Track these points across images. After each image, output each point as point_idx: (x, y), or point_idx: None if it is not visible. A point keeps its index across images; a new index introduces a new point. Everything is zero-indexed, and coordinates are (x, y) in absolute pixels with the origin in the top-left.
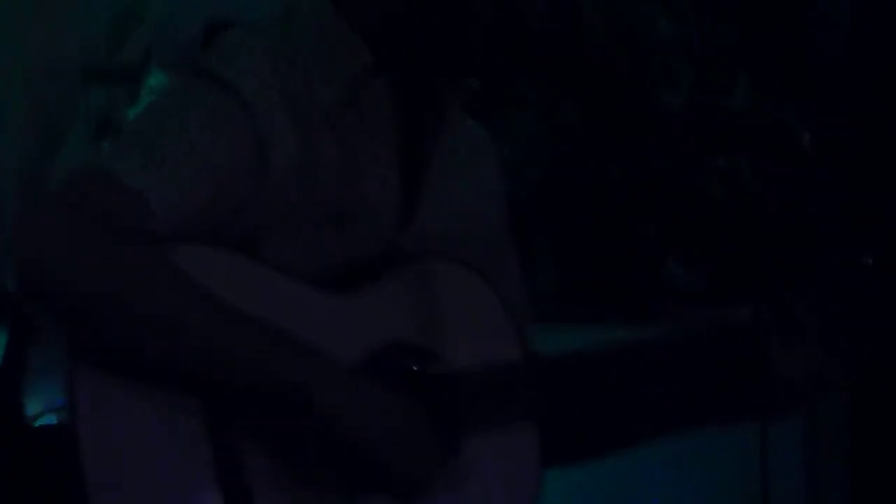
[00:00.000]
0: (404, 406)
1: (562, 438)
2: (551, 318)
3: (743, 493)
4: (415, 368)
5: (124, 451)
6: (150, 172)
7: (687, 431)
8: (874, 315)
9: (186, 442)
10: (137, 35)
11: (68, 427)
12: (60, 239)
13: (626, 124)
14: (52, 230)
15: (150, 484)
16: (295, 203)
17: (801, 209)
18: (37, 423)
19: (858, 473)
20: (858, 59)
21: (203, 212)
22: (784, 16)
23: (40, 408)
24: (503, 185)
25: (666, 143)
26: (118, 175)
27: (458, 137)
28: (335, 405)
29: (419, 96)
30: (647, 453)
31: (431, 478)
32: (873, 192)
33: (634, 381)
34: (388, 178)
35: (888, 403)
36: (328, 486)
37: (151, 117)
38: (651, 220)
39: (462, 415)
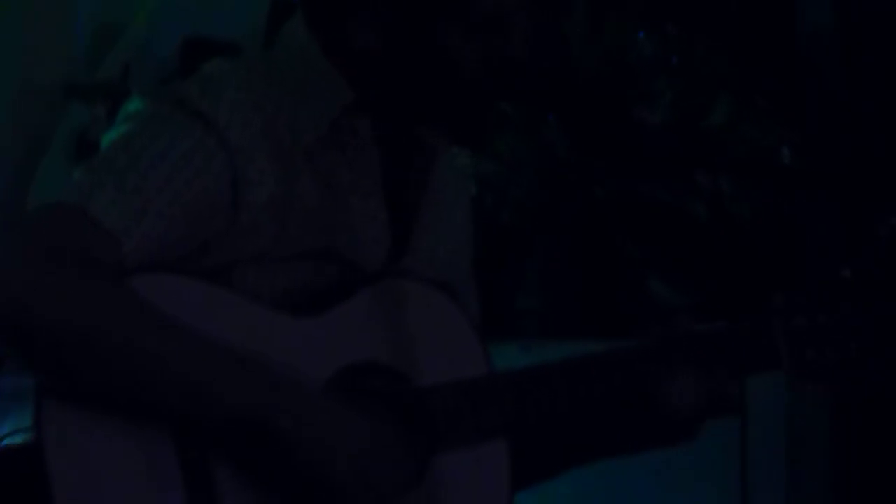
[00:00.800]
0: (371, 428)
1: (523, 455)
2: (535, 334)
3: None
4: (384, 388)
5: (93, 480)
6: (120, 207)
7: (599, 456)
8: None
9: (156, 468)
10: (116, 51)
11: (35, 448)
12: (25, 276)
13: (609, 143)
14: (16, 267)
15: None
16: (271, 241)
17: (781, 225)
18: (2, 444)
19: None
20: (842, 76)
21: (173, 247)
22: (767, 34)
23: (7, 429)
24: (472, 227)
25: (647, 162)
26: (89, 210)
27: (440, 172)
28: (294, 431)
29: (402, 134)
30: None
31: (399, 500)
32: (855, 207)
33: (560, 398)
34: (375, 214)
35: (870, 417)
36: None
37: (126, 147)
38: (634, 238)
39: (432, 433)
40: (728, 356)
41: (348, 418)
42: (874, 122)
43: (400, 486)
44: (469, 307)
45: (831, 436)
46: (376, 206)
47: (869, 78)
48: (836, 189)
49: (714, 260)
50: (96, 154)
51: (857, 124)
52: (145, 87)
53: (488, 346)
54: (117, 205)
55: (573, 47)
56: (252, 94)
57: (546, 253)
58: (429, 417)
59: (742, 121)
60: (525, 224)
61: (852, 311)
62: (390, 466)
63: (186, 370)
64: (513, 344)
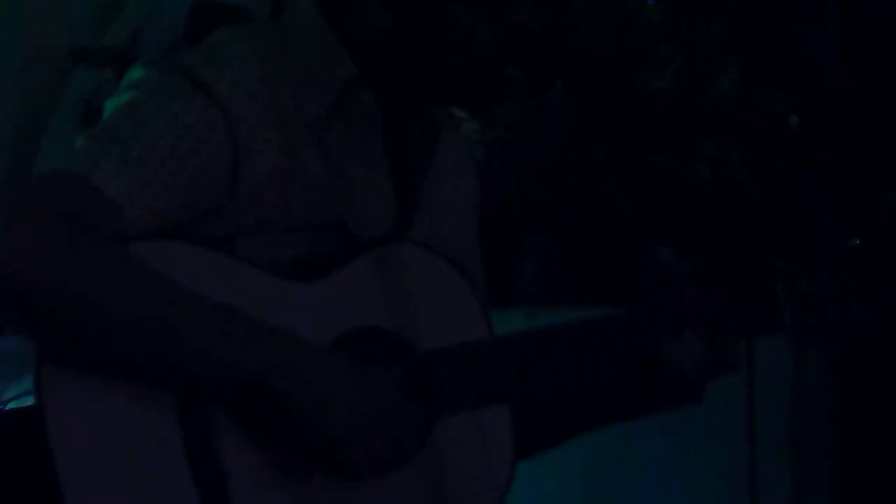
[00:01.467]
0: (374, 390)
1: (528, 421)
2: (538, 301)
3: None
4: (385, 351)
5: (95, 445)
6: (124, 176)
7: (605, 422)
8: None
9: (158, 431)
10: (124, 16)
11: (36, 412)
12: (26, 243)
13: (614, 110)
14: (17, 234)
15: (122, 474)
16: (274, 211)
17: (789, 194)
18: (8, 407)
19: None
20: (847, 45)
21: (175, 216)
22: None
23: (14, 392)
24: (478, 190)
25: (653, 129)
26: (92, 180)
27: (447, 141)
28: (295, 389)
29: (407, 107)
30: (638, 447)
31: (404, 456)
32: (862, 177)
33: (561, 364)
34: (380, 186)
35: (875, 408)
36: (306, 471)
37: (130, 116)
38: (640, 206)
39: (433, 396)
40: (731, 318)
41: (350, 379)
42: (879, 90)
43: (402, 449)
44: (474, 277)
45: (836, 430)
46: (381, 178)
47: (871, 47)
48: (840, 158)
49: (718, 226)
50: (99, 122)
51: (862, 92)
52: (149, 56)
53: (492, 313)
54: (120, 174)
55: (580, 13)
56: (256, 65)
57: (550, 219)
58: (430, 381)
59: (748, 88)
60: (530, 190)
61: (853, 276)
62: (392, 429)
63: (188, 331)
64: (516, 311)
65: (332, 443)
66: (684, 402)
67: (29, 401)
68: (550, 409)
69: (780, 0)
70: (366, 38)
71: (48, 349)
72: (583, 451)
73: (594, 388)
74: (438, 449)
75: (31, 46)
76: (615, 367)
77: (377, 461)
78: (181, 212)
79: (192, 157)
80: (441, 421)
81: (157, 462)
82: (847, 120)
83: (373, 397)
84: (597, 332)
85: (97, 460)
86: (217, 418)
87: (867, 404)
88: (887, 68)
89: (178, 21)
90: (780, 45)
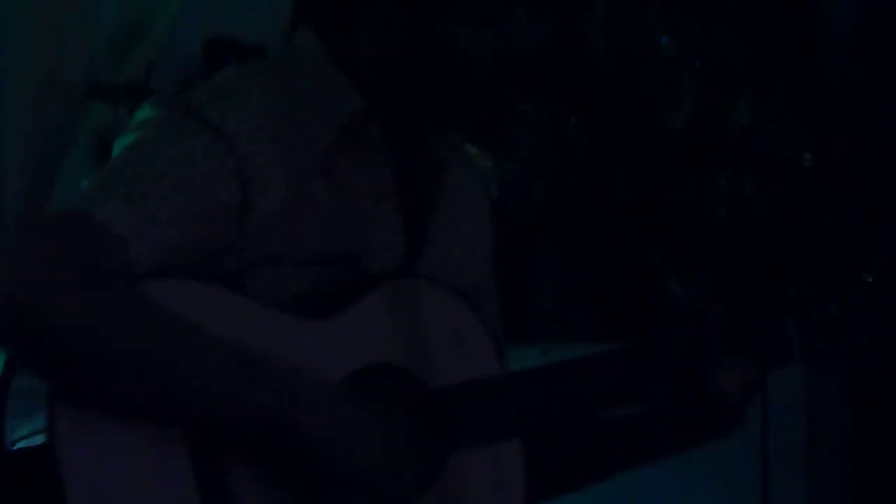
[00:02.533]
0: (389, 426)
1: (542, 461)
2: (553, 336)
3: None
4: (398, 388)
5: (106, 483)
6: (130, 213)
7: (645, 457)
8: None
9: (169, 472)
10: (139, 52)
11: (49, 450)
12: (36, 283)
13: (629, 141)
14: (27, 274)
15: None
16: (284, 245)
17: (803, 227)
18: (18, 447)
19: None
20: (863, 76)
21: (184, 253)
22: (788, 33)
23: (24, 431)
24: (492, 223)
25: (668, 161)
26: (98, 218)
27: (457, 172)
28: (314, 429)
29: (414, 138)
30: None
31: (415, 499)
32: (876, 211)
33: (584, 398)
34: (388, 219)
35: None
36: None
37: (136, 155)
38: (654, 239)
39: (447, 433)
40: (747, 349)
41: (366, 417)
42: (889, 126)
43: (416, 485)
44: (489, 312)
45: (852, 437)
46: (389, 211)
47: (889, 80)
48: (854, 191)
49: (734, 261)
50: (106, 162)
51: (875, 127)
52: (163, 92)
53: (508, 349)
54: (126, 211)
55: (594, 46)
56: (262, 101)
57: (566, 254)
58: (443, 417)
59: (764, 122)
60: (545, 225)
61: (864, 305)
62: (408, 466)
63: (203, 370)
64: (533, 347)
65: (348, 480)
66: (728, 427)
67: (39, 440)
68: (574, 445)
69: (798, 33)
70: (369, 68)
71: (59, 388)
72: None
73: (622, 424)
74: (451, 484)
75: (47, 82)
76: (649, 400)
77: (392, 497)
78: (189, 248)
79: (198, 193)
80: (454, 456)
81: (169, 500)
82: (864, 152)
83: (387, 434)
84: (622, 363)
85: (110, 499)
86: (229, 455)
87: (883, 430)
88: None
89: (192, 57)
90: (796, 77)
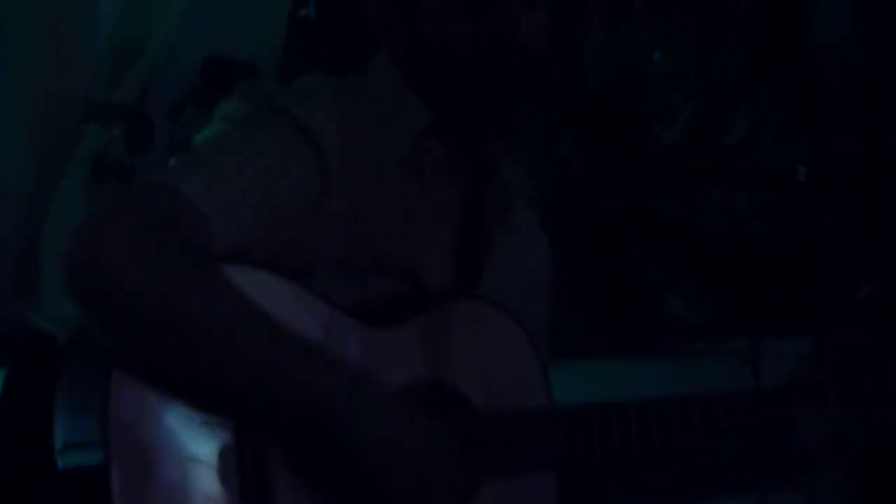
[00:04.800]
0: (431, 444)
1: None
2: (554, 353)
3: None
4: (445, 407)
5: (153, 462)
6: (214, 196)
7: (701, 497)
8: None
9: (214, 460)
10: (134, 73)
11: (99, 471)
12: (121, 241)
13: (626, 159)
14: (113, 232)
15: (176, 497)
16: (346, 251)
17: (799, 243)
18: (62, 458)
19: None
20: (859, 90)
21: (258, 239)
22: (783, 47)
23: (64, 442)
24: (550, 272)
25: (665, 178)
26: (184, 191)
27: (522, 209)
28: (361, 429)
29: (477, 159)
30: None
31: None
32: (872, 227)
33: (652, 438)
34: (444, 242)
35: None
36: None
37: (222, 142)
38: (651, 255)
39: (486, 457)
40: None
41: (412, 427)
42: (890, 136)
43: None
44: (542, 344)
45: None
46: (448, 233)
47: (884, 94)
48: (851, 205)
49: (731, 276)
50: (191, 146)
51: (872, 139)
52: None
53: None
54: (210, 190)
55: (590, 62)
56: (341, 109)
57: (563, 270)
58: (485, 442)
59: (759, 137)
60: None
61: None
62: (444, 485)
63: (270, 352)
64: None
65: (383, 485)
66: (799, 477)
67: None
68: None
69: (792, 47)
70: (432, 70)
71: (121, 359)
72: None
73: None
74: None
75: (42, 104)
76: (741, 441)
77: None
78: (264, 236)
79: (280, 184)
80: (489, 481)
81: (209, 489)
82: (860, 168)
83: (431, 448)
84: (731, 404)
85: (153, 482)
86: (272, 458)
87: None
88: None
89: (188, 78)
90: (791, 92)
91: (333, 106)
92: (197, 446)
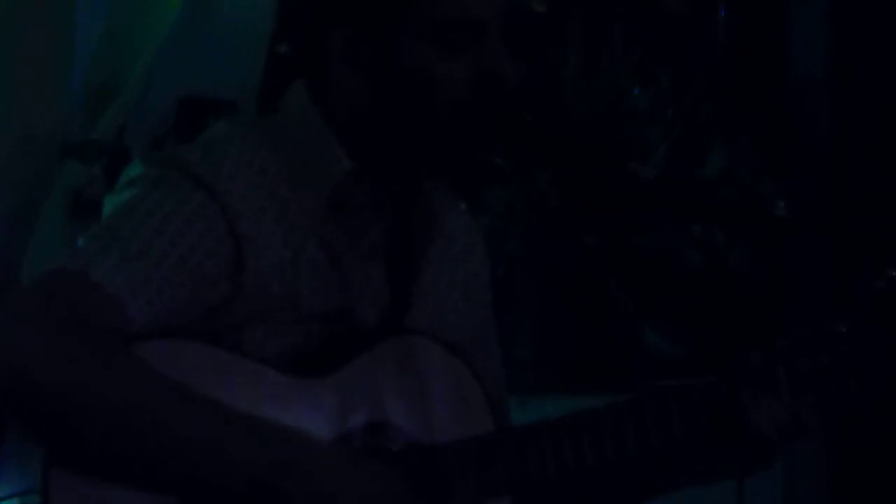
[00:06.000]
0: (381, 486)
1: None
2: (529, 388)
3: None
4: (391, 446)
5: None
6: (124, 273)
7: (665, 492)
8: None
9: None
10: (112, 111)
11: None
12: (33, 340)
13: (602, 193)
14: (21, 332)
15: None
16: (278, 302)
17: (776, 277)
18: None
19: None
20: (835, 127)
21: (179, 312)
22: (759, 82)
23: (9, 491)
24: (489, 270)
25: (641, 212)
26: (92, 277)
27: (454, 225)
28: (303, 492)
29: (402, 195)
30: None
31: None
32: (849, 259)
33: (607, 446)
34: (376, 275)
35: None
36: None
37: (129, 213)
38: (628, 290)
39: (439, 491)
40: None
41: (357, 478)
42: (866, 171)
43: None
44: (489, 360)
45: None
46: (376, 268)
47: (860, 129)
48: (828, 239)
49: (709, 310)
50: (100, 220)
51: (849, 174)
52: (147, 153)
53: None
54: (121, 270)
55: (567, 97)
56: (255, 158)
57: (540, 305)
58: (436, 476)
59: (736, 171)
60: (518, 276)
61: (852, 355)
62: None
63: (194, 431)
64: (511, 398)
65: None
66: (759, 467)
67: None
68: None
69: (768, 82)
70: (348, 119)
71: (54, 451)
72: None
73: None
74: None
75: (20, 140)
76: (696, 434)
77: None
78: (184, 307)
79: (192, 253)
80: None
81: None
82: (837, 200)
83: (380, 493)
84: (679, 399)
85: None
86: None
87: (861, 471)
88: (880, 146)
89: (165, 115)
90: (768, 126)
91: (245, 155)
92: None
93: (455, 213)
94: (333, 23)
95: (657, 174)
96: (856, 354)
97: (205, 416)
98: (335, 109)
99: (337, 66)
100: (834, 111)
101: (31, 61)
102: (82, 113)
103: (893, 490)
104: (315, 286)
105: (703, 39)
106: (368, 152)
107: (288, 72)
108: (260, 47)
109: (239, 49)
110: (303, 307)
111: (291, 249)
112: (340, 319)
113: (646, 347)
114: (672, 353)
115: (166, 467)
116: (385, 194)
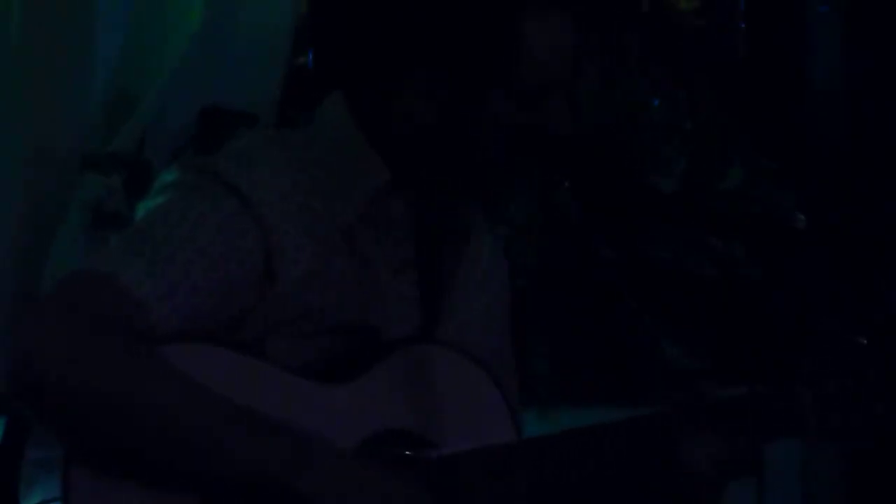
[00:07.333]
0: (396, 494)
1: None
2: (549, 399)
3: None
4: (410, 454)
5: None
6: (154, 280)
7: None
8: (871, 393)
9: None
10: (131, 122)
11: None
12: (58, 339)
13: (618, 204)
14: (50, 331)
15: None
16: (305, 314)
17: (795, 291)
18: None
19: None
20: (853, 138)
21: (206, 318)
22: (777, 94)
23: (36, 500)
24: (509, 295)
25: (657, 223)
26: (121, 281)
27: (479, 244)
28: (318, 494)
29: (437, 213)
30: None
31: None
32: (868, 274)
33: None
34: (406, 293)
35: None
36: None
37: (160, 219)
38: (646, 302)
39: (459, 498)
40: (750, 421)
41: (374, 483)
42: (883, 183)
43: None
44: (507, 378)
45: (847, 493)
46: (408, 284)
47: (878, 140)
48: (844, 249)
49: (727, 324)
50: (131, 224)
51: (866, 185)
52: (183, 159)
53: None
54: (149, 275)
55: (585, 111)
56: (287, 169)
57: (559, 317)
58: (455, 483)
59: (753, 182)
60: (537, 289)
61: (876, 377)
62: None
63: (215, 431)
64: (529, 411)
65: None
66: (702, 500)
67: None
68: None
69: (787, 94)
70: (399, 139)
71: (76, 450)
72: None
73: (617, 487)
74: None
75: (40, 152)
76: (636, 469)
77: None
78: (210, 315)
79: (222, 261)
80: None
81: None
82: (854, 213)
83: (394, 497)
84: (618, 432)
85: None
86: None
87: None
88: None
89: (186, 126)
90: (785, 138)
91: (281, 169)
92: None
93: (481, 235)
94: (419, 62)
95: (676, 187)
96: (876, 376)
97: (226, 417)
98: (383, 125)
99: (407, 93)
100: (851, 123)
101: (52, 74)
102: (102, 125)
103: None
104: (342, 300)
105: (719, 49)
106: (411, 170)
107: (319, 84)
108: (279, 60)
109: (259, 61)
110: (328, 320)
111: (320, 262)
112: (366, 335)
113: (664, 360)
114: (690, 366)
115: (188, 465)
116: (419, 211)
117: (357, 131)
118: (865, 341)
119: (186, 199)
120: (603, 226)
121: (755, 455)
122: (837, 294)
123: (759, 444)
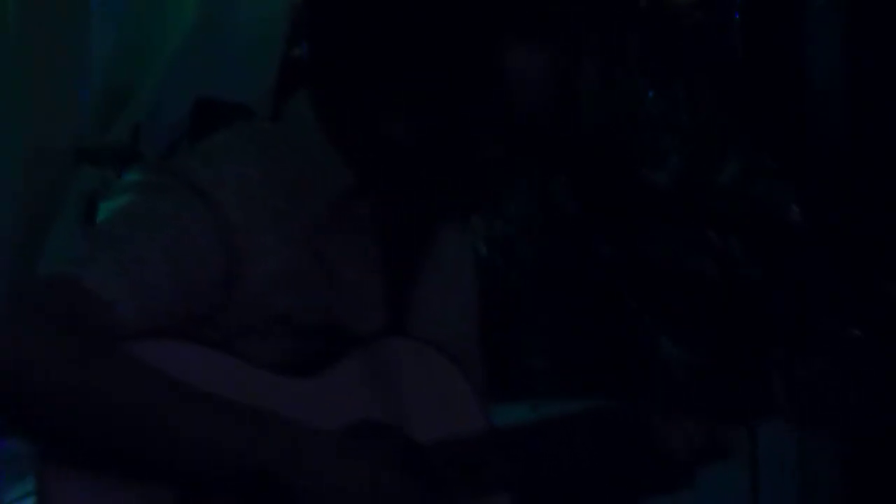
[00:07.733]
0: (376, 479)
1: None
2: (544, 393)
3: None
4: (383, 444)
5: None
6: (117, 278)
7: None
8: (868, 386)
9: None
10: (126, 115)
11: None
12: (25, 342)
13: (617, 202)
14: (16, 334)
15: None
16: (270, 316)
17: (791, 285)
18: None
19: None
20: (851, 135)
21: (169, 318)
22: (775, 90)
23: (14, 494)
24: (477, 287)
25: (656, 221)
26: (85, 282)
27: (446, 238)
28: (308, 483)
29: (402, 214)
30: None
31: None
32: (868, 273)
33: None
34: (373, 292)
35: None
36: None
37: (125, 218)
38: (645, 301)
39: (430, 489)
40: (725, 403)
41: (355, 474)
42: (882, 179)
43: None
44: (474, 370)
45: (843, 488)
46: (373, 281)
47: (876, 136)
48: (843, 247)
49: (724, 319)
50: (95, 224)
51: (865, 182)
52: (146, 160)
53: (500, 407)
54: (114, 276)
55: (581, 104)
56: (253, 167)
57: (555, 312)
58: (429, 471)
59: (751, 180)
60: (534, 283)
61: (852, 360)
62: None
63: (197, 426)
64: (523, 404)
65: None
66: (677, 486)
67: (30, 502)
68: (555, 497)
69: (785, 90)
70: (374, 151)
71: (49, 449)
72: None
73: (591, 475)
74: None
75: (34, 145)
76: (611, 454)
77: None
78: (175, 314)
79: (185, 260)
80: None
81: None
82: (850, 208)
83: (379, 488)
84: (594, 420)
85: None
86: None
87: (876, 487)
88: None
89: (180, 119)
90: (783, 134)
91: (245, 167)
92: None
93: (447, 232)
94: (396, 74)
95: (672, 182)
96: (863, 359)
97: (207, 411)
98: (350, 131)
99: (386, 115)
100: (851, 121)
101: (47, 67)
102: (97, 118)
103: None
104: (309, 301)
105: (717, 46)
106: (378, 178)
107: (301, 78)
108: (274, 52)
109: (253, 54)
110: (296, 321)
111: (286, 262)
112: (334, 332)
113: (661, 356)
114: (687, 362)
115: (169, 462)
116: (386, 211)
117: (321, 134)
118: (863, 338)
119: (150, 199)
120: (602, 225)
121: (730, 439)
122: (837, 293)
123: (733, 428)
